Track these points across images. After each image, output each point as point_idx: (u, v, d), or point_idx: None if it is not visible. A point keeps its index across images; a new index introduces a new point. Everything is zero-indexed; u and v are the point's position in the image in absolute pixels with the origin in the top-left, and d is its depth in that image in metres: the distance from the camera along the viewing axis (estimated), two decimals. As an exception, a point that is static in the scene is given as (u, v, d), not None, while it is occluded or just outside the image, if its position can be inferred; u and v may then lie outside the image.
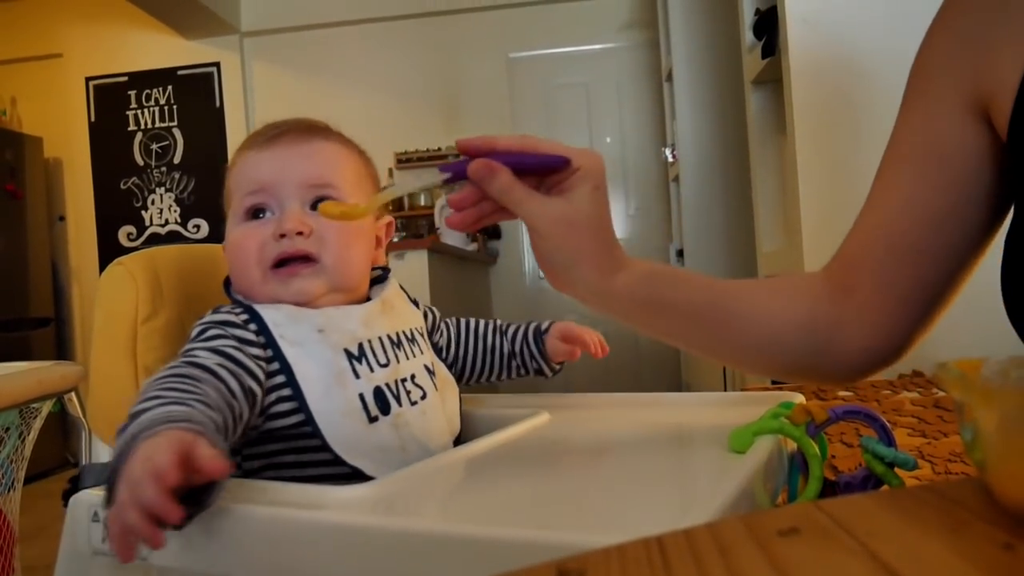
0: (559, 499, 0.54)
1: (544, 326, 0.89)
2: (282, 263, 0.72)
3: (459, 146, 0.58)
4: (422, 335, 0.80)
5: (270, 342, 0.69)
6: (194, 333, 0.68)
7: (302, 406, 0.67)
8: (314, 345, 0.69)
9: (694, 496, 0.56)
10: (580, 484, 0.58)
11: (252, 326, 0.69)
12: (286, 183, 0.72)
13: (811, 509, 0.33)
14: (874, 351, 0.60)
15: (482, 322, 0.91)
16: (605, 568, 0.29)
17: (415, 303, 0.85)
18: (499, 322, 0.91)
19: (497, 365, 0.89)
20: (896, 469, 0.62)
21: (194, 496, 0.48)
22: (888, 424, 0.64)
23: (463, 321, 0.91)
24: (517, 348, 0.89)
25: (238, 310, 0.71)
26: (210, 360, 0.62)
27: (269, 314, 0.70)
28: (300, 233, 0.71)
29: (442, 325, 0.89)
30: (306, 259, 0.72)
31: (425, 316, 0.86)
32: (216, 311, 0.71)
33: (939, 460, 0.83)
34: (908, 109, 0.60)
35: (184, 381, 0.57)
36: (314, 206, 0.73)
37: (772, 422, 0.61)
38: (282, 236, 0.71)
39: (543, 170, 0.59)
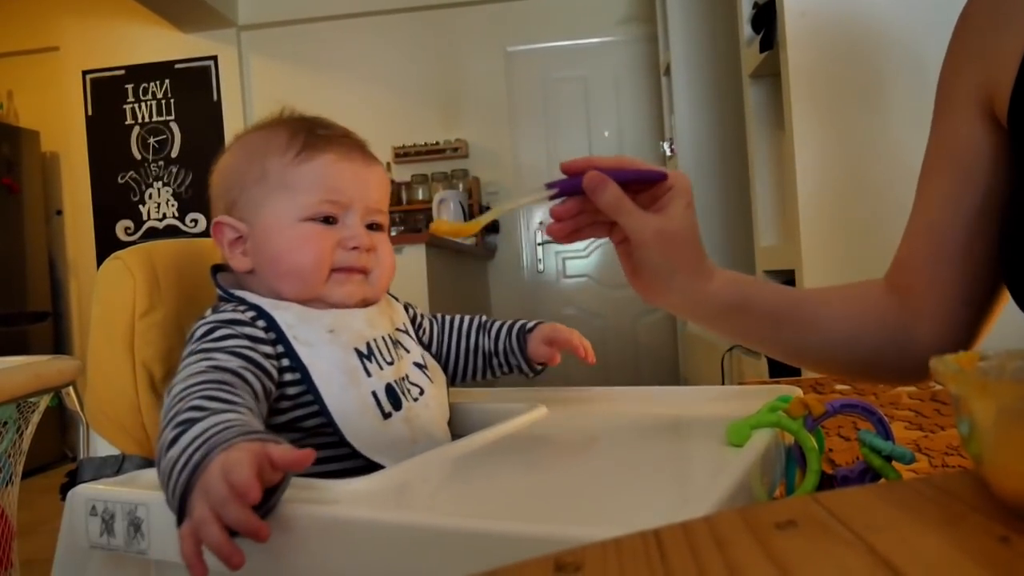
0: (556, 493, 0.54)
1: (529, 325, 0.86)
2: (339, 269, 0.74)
3: (563, 167, 0.63)
4: (407, 332, 0.81)
5: (281, 339, 0.69)
6: (200, 332, 0.66)
7: (319, 405, 0.67)
8: (326, 345, 0.70)
9: (691, 489, 0.56)
10: (578, 478, 0.58)
11: (260, 323, 0.69)
12: (362, 200, 0.75)
13: (808, 502, 0.33)
14: (942, 348, 0.63)
15: (466, 319, 0.89)
16: (602, 561, 0.29)
17: (395, 299, 0.85)
18: (483, 319, 0.89)
19: (481, 365, 0.87)
20: (893, 462, 0.62)
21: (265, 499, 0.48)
22: (885, 417, 0.64)
23: (447, 319, 0.89)
24: (500, 347, 0.86)
25: (243, 307, 0.70)
26: (233, 363, 0.62)
27: (280, 314, 0.70)
28: (368, 249, 0.75)
29: (425, 323, 0.87)
30: (361, 270, 0.75)
31: (407, 309, 0.86)
32: (217, 310, 0.70)
33: (936, 453, 0.84)
34: (935, 121, 0.65)
35: (224, 388, 0.57)
36: (369, 227, 0.76)
37: (770, 416, 0.61)
38: (353, 248, 0.73)
39: (642, 184, 0.64)
